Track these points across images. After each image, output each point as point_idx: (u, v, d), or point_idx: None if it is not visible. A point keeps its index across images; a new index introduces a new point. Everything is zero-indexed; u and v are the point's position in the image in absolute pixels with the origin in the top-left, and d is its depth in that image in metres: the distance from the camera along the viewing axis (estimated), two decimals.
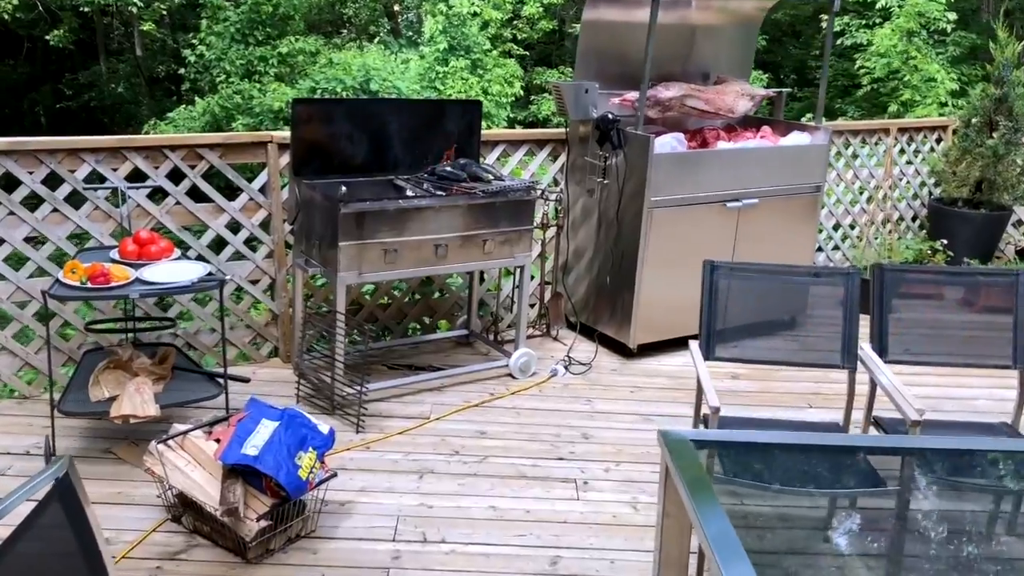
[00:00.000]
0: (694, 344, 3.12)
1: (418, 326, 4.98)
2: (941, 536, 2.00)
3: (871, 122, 6.38)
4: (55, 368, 3.96)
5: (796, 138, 5.09)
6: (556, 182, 5.12)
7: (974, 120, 6.08)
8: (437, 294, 4.94)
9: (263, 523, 2.85)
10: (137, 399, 3.30)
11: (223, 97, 13.12)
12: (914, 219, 6.44)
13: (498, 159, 4.90)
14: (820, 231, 5.70)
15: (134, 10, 15.76)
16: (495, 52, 14.26)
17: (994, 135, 5.91)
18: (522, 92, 14.32)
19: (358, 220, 3.76)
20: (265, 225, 4.36)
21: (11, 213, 3.80)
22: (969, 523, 2.06)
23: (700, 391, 3.04)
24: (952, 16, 11.12)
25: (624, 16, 4.78)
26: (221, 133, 4.17)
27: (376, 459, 3.60)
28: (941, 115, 9.95)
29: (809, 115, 13.25)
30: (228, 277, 3.40)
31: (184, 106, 14.06)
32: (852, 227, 6.24)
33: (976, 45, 11.94)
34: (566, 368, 4.60)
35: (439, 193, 4.00)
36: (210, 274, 3.46)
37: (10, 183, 3.77)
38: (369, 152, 4.26)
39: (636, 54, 4.73)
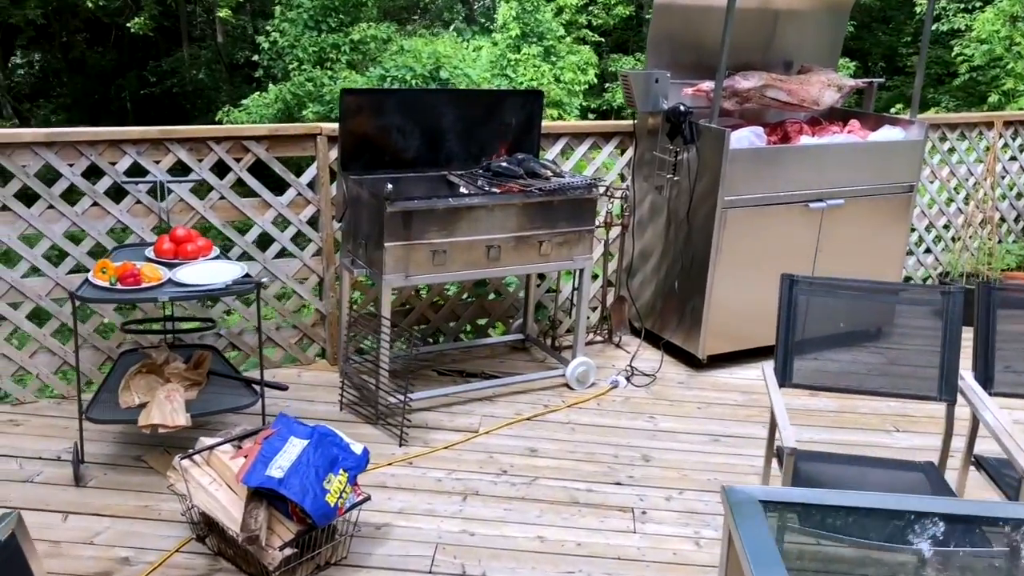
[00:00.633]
0: (768, 368, 2.78)
1: (471, 329, 4.72)
2: None
3: (972, 115, 5.86)
4: (94, 368, 3.84)
5: (888, 133, 4.65)
6: (622, 178, 4.79)
7: None
8: (493, 295, 4.67)
9: (287, 551, 2.63)
10: (167, 407, 3.12)
11: (295, 84, 13.10)
12: (1017, 220, 5.91)
13: (560, 153, 4.60)
14: (911, 231, 5.24)
15: None
16: (569, 39, 13.91)
17: None
18: (596, 80, 13.95)
19: (405, 219, 3.51)
20: (313, 222, 4.15)
21: (50, 207, 3.66)
22: None
23: (774, 422, 2.70)
24: None
25: None
26: (268, 125, 3.97)
27: (418, 477, 3.35)
28: None
29: (899, 106, 12.55)
30: (265, 280, 3.20)
31: (258, 93, 14.10)
32: (947, 228, 5.75)
33: None
34: (628, 379, 4.28)
35: (492, 190, 3.73)
36: (247, 275, 3.25)
37: (49, 176, 3.63)
38: (421, 146, 4.01)
39: (712, 41, 4.36)
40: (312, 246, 4.17)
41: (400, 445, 3.56)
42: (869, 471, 2.69)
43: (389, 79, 12.01)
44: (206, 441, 2.91)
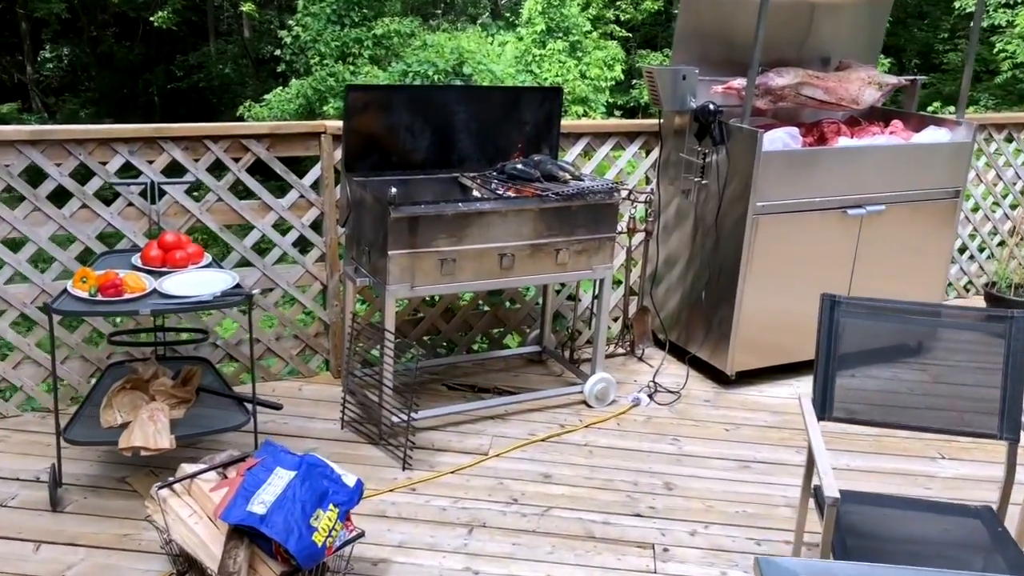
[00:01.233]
0: (805, 400, 2.50)
1: (485, 339, 4.46)
2: None
3: (1022, 115, 5.50)
4: (82, 380, 3.62)
5: (932, 134, 4.33)
6: (647, 180, 4.51)
7: None
8: (508, 304, 4.41)
9: None
10: (150, 428, 2.89)
11: (316, 79, 12.91)
12: None
13: (582, 154, 4.32)
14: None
15: None
16: (595, 34, 13.61)
17: None
18: (623, 76, 13.63)
19: (411, 225, 3.26)
20: (317, 226, 3.91)
21: (36, 209, 3.45)
22: None
23: (812, 459, 2.42)
24: None
25: None
26: (268, 123, 3.73)
27: (421, 505, 3.10)
28: None
29: (936, 104, 12.13)
30: (256, 292, 2.96)
31: (280, 88, 13.93)
32: (992, 235, 5.42)
33: None
34: (650, 397, 4.00)
35: (506, 195, 3.46)
36: (238, 286, 3.02)
37: (35, 176, 3.42)
38: (432, 146, 3.75)
39: (744, 35, 4.08)
40: (315, 251, 3.93)
41: (403, 469, 3.31)
42: (918, 518, 2.40)
43: (411, 74, 11.79)
44: (187, 468, 2.67)
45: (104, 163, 3.51)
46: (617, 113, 13.95)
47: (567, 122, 4.21)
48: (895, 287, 4.28)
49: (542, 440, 3.58)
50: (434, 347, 4.27)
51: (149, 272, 3.10)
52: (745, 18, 4.02)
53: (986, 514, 2.38)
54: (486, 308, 4.33)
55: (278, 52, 14.95)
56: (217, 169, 3.69)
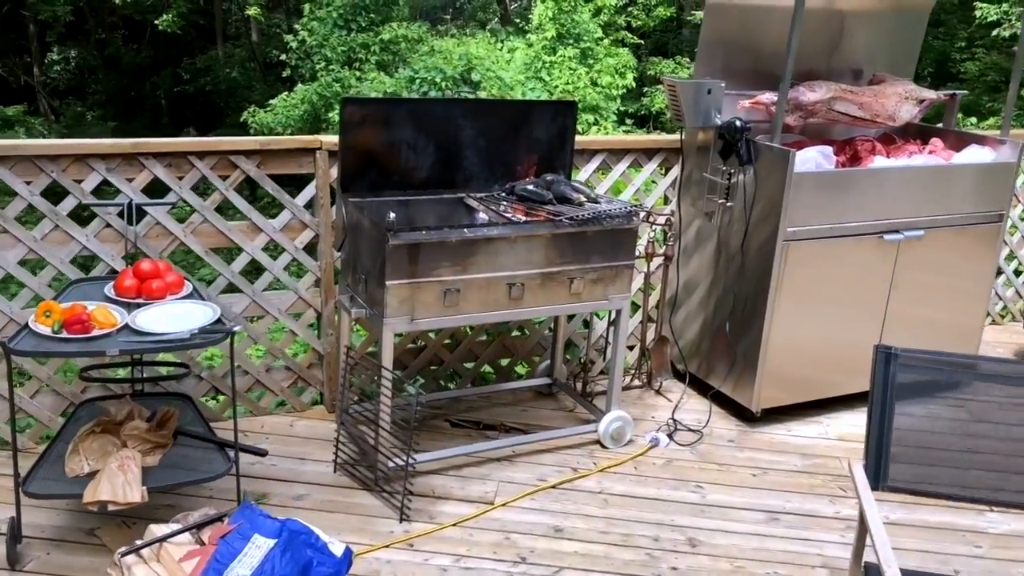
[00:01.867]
0: (857, 468, 2.19)
1: (492, 371, 4.16)
2: None
3: None
4: (54, 417, 3.34)
5: (975, 154, 4.02)
6: (666, 200, 4.21)
7: None
8: (516, 332, 4.11)
9: None
10: (119, 479, 2.60)
11: (322, 85, 12.65)
12: None
13: (598, 170, 4.03)
14: None
15: None
16: (607, 41, 13.31)
17: None
18: (634, 84, 13.32)
19: (411, 253, 2.97)
20: (311, 249, 3.63)
21: (3, 231, 3.17)
22: None
23: (864, 531, 2.11)
24: None
25: None
26: (259, 138, 3.44)
27: (419, 564, 2.80)
28: None
29: (959, 116, 11.79)
30: (238, 328, 2.67)
31: (286, 93, 13.68)
32: None
33: None
34: (670, 436, 3.70)
35: (515, 219, 3.17)
36: (219, 320, 2.73)
37: (3, 195, 3.15)
38: (436, 164, 3.46)
39: (772, 45, 3.79)
40: (309, 276, 3.64)
41: (400, 521, 3.01)
42: None
43: (418, 81, 11.51)
44: (156, 531, 2.38)
45: (79, 181, 3.23)
46: (628, 121, 13.65)
47: (582, 138, 3.93)
48: (933, 316, 3.98)
49: (552, 487, 3.28)
50: (436, 378, 3.97)
51: (122, 304, 2.82)
52: (774, 27, 3.74)
53: None
54: (492, 337, 4.03)
55: (282, 57, 14.71)
56: (202, 187, 3.41)
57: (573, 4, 12.60)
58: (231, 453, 2.85)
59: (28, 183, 3.17)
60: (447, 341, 3.94)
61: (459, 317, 3.14)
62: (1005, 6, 11.57)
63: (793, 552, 2.98)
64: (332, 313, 3.66)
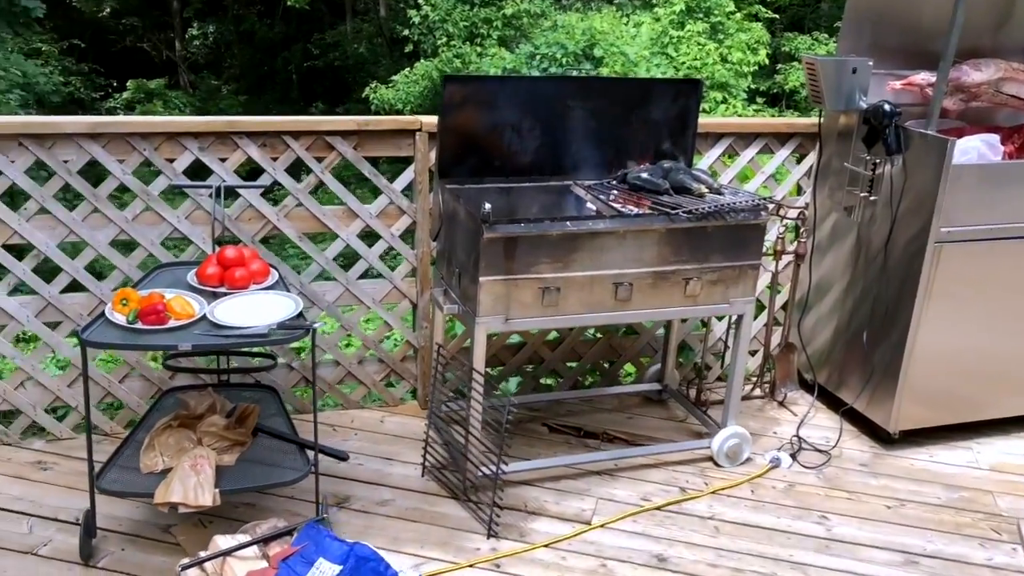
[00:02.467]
0: None
1: (595, 371, 3.87)
2: None
3: None
4: (142, 403, 3.25)
5: None
6: (799, 191, 3.80)
7: None
8: (624, 331, 3.80)
9: None
10: (191, 480, 2.46)
11: (443, 61, 12.54)
12: None
13: (724, 156, 3.66)
14: None
15: None
16: (739, 15, 12.63)
17: None
18: (767, 60, 12.62)
19: (507, 247, 2.70)
20: (409, 236, 3.42)
21: (96, 211, 3.08)
22: None
23: None
24: None
25: None
26: (356, 117, 3.24)
27: None
28: None
29: None
30: (317, 325, 2.47)
31: (408, 69, 13.64)
32: None
33: None
34: (793, 456, 3.32)
35: (626, 210, 2.86)
36: (300, 315, 2.54)
37: (96, 173, 3.05)
38: (542, 148, 3.18)
39: (930, 19, 3.33)
40: (405, 265, 3.43)
41: (488, 537, 2.77)
42: None
43: (539, 57, 11.21)
44: (220, 543, 2.22)
45: (171, 160, 3.11)
46: (760, 101, 12.96)
47: (707, 120, 3.56)
48: None
49: (657, 508, 2.97)
50: (535, 378, 3.71)
51: (204, 292, 2.67)
52: None
53: None
54: (598, 336, 3.73)
55: (405, 32, 14.68)
56: (297, 169, 3.24)
57: None
58: (311, 456, 2.67)
59: (120, 161, 3.06)
60: (549, 337, 3.67)
61: (559, 318, 2.86)
62: None
63: None
64: (428, 304, 3.44)
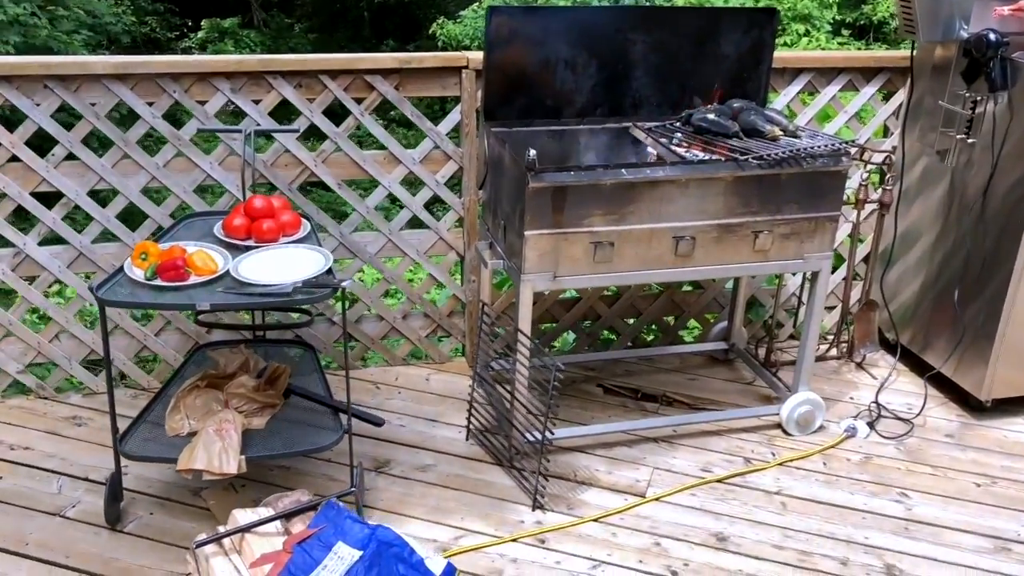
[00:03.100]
0: None
1: (656, 328, 3.62)
2: None
3: None
4: (178, 356, 3.14)
5: None
6: (886, 132, 3.44)
7: None
8: (688, 286, 3.53)
9: None
10: (216, 446, 2.31)
11: None
12: None
13: (803, 93, 3.33)
14: None
15: None
16: None
17: None
18: None
19: (555, 198, 2.46)
20: (456, 184, 3.19)
21: (126, 156, 2.93)
22: None
23: None
24: None
25: None
26: (397, 55, 3.00)
27: (548, 568, 2.37)
28: None
29: None
30: (347, 283, 2.28)
31: (476, 3, 13.24)
32: None
33: None
34: (870, 425, 3.04)
35: (690, 155, 2.58)
36: (329, 272, 2.35)
37: (124, 117, 2.90)
38: (598, 87, 2.90)
39: None
40: (451, 215, 3.22)
41: (533, 508, 2.59)
42: None
43: None
44: (239, 517, 2.08)
45: (203, 102, 2.93)
46: (845, 33, 12.22)
47: (783, 54, 3.22)
48: None
49: (719, 480, 2.74)
50: (591, 335, 3.48)
51: (231, 245, 2.50)
52: None
53: None
54: (660, 290, 3.47)
55: None
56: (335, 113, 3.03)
57: None
58: (344, 420, 2.51)
59: (150, 104, 2.89)
60: (607, 292, 3.43)
61: (612, 275, 2.62)
62: None
63: None
64: (475, 256, 3.23)
